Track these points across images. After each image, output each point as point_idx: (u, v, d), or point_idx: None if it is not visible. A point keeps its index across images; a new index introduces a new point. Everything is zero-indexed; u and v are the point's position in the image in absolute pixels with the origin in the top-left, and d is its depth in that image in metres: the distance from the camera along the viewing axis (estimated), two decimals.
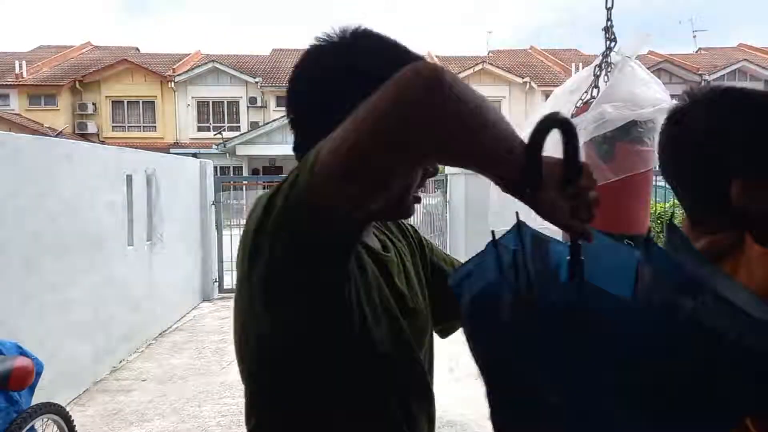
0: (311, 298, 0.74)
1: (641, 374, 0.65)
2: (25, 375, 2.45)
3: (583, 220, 0.69)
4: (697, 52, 30.56)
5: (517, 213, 0.77)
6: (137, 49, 31.30)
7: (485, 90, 26.85)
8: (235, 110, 26.10)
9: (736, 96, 0.97)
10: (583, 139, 1.96)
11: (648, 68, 2.22)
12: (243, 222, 10.85)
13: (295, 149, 0.92)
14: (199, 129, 25.81)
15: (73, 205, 4.19)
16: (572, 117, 2.16)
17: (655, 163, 2.07)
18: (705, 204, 0.98)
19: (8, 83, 24.68)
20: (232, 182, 14.98)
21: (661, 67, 24.07)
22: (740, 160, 0.92)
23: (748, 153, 0.92)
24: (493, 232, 0.82)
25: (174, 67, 26.48)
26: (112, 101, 25.67)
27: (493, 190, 2.33)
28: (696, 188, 0.99)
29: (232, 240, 7.70)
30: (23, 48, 31.63)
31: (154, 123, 25.92)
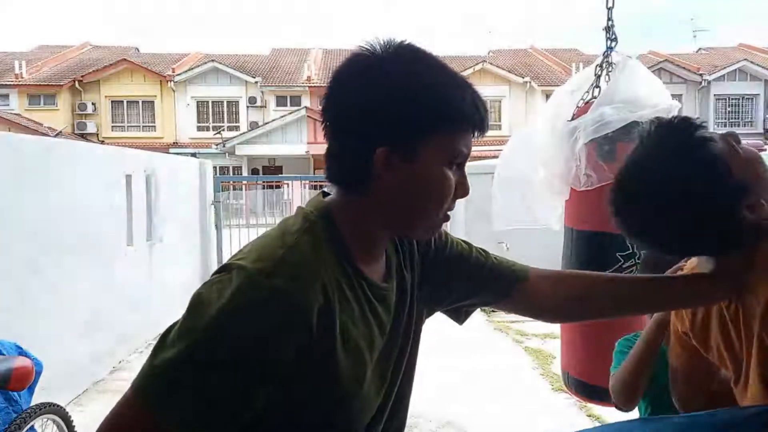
0: None
1: None
2: (25, 375, 2.44)
3: None
4: (697, 52, 30.57)
5: None
6: (137, 49, 31.28)
7: (485, 90, 26.64)
8: (234, 110, 26.10)
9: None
10: (583, 140, 1.96)
11: (648, 68, 2.22)
12: (243, 222, 10.72)
13: (327, 155, 0.89)
14: (199, 129, 25.81)
15: (72, 205, 4.18)
16: (573, 118, 2.16)
17: None
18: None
19: (8, 83, 24.67)
20: (231, 182, 15.01)
21: (662, 67, 24.08)
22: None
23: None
24: None
25: (173, 66, 26.47)
26: (112, 101, 25.67)
27: (496, 192, 2.33)
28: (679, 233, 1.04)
29: (232, 240, 7.70)
30: (23, 48, 31.61)
31: (154, 123, 25.92)
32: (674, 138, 1.01)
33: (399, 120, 0.83)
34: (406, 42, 0.89)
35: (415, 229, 0.92)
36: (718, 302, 1.06)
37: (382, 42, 0.87)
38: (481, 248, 1.10)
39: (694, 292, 1.07)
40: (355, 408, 0.86)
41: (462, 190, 0.90)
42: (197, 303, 0.77)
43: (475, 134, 0.90)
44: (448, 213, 0.92)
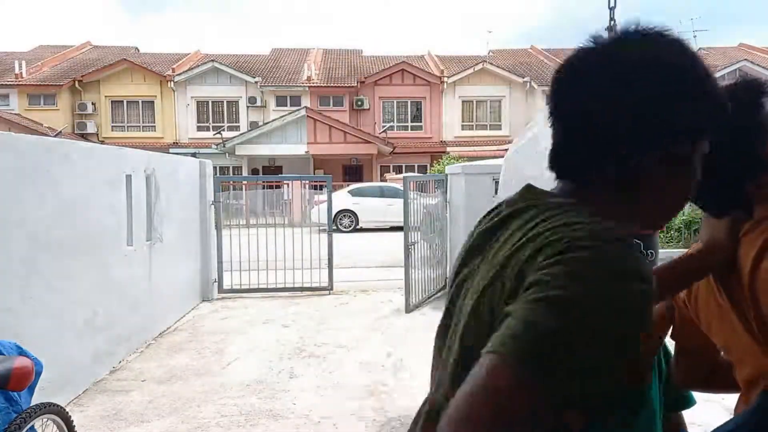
0: None
1: None
2: (25, 375, 2.44)
3: None
4: (697, 51, 30.51)
5: None
6: (137, 48, 31.30)
7: (485, 90, 26.89)
8: (234, 110, 26.10)
9: None
10: None
11: None
12: (243, 222, 10.75)
13: (557, 153, 0.85)
14: (199, 129, 25.81)
15: (72, 205, 4.18)
16: None
17: None
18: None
19: (8, 83, 24.67)
20: (231, 182, 15.01)
21: None
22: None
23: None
24: None
25: (173, 66, 26.48)
26: (112, 101, 25.67)
27: (501, 194, 2.32)
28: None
29: (232, 240, 7.71)
30: (23, 48, 31.67)
31: (154, 123, 25.92)
32: (743, 89, 1.07)
33: (685, 124, 0.79)
34: (662, 29, 0.82)
35: (659, 225, 0.90)
36: (710, 272, 1.13)
37: (637, 29, 0.81)
38: None
39: (687, 271, 1.14)
40: None
41: None
42: (570, 275, 0.70)
43: None
44: None
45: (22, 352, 2.64)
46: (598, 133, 0.81)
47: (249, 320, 6.34)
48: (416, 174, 22.46)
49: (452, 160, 19.22)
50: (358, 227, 17.25)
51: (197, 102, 25.91)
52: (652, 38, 0.81)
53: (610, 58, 0.81)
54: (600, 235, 0.72)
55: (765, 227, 1.04)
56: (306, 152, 22.28)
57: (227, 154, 22.51)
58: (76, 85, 24.99)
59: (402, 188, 7.01)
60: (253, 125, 24.21)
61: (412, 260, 6.72)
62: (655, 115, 0.78)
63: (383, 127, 25.90)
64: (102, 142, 22.26)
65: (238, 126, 25.42)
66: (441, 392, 0.83)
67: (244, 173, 22.80)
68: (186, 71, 25.81)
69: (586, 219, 0.76)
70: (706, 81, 0.80)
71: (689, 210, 10.31)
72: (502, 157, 2.49)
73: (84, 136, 23.58)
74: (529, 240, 0.76)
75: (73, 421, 2.85)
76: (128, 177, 5.11)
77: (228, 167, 23.66)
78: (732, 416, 1.15)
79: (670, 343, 1.36)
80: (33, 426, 2.55)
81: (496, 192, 6.06)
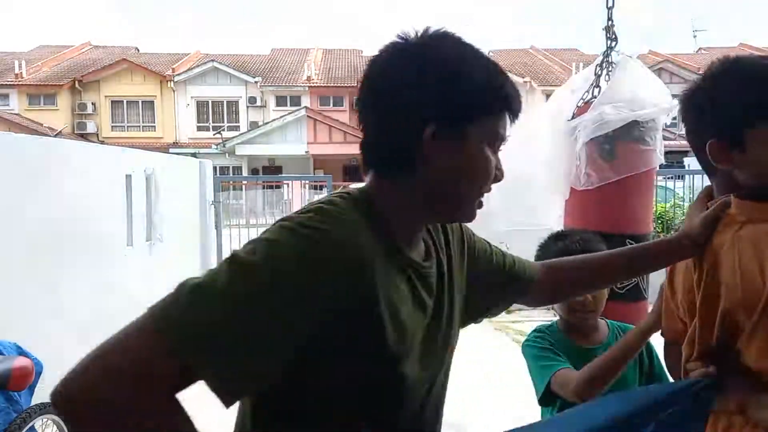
0: None
1: None
2: (25, 375, 2.45)
3: None
4: (697, 52, 30.57)
5: None
6: (137, 48, 31.29)
7: None
8: (234, 110, 26.10)
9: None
10: (583, 139, 1.96)
11: (648, 68, 2.23)
12: (243, 222, 10.72)
13: (368, 143, 0.89)
14: (199, 129, 25.81)
15: (72, 205, 4.18)
16: (573, 117, 2.16)
17: (656, 162, 2.08)
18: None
19: (8, 83, 24.67)
20: (231, 182, 15.01)
21: (662, 67, 24.07)
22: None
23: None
24: None
25: (173, 66, 26.47)
26: (112, 101, 25.67)
27: (494, 191, 2.33)
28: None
29: (232, 240, 7.70)
30: (23, 48, 31.70)
31: (154, 123, 25.92)
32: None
33: (448, 99, 0.83)
34: (443, 29, 0.89)
35: (458, 210, 0.92)
36: (682, 257, 1.16)
37: (418, 31, 0.87)
38: (497, 248, 1.13)
39: (665, 252, 1.18)
40: (399, 388, 0.85)
41: (500, 173, 0.92)
42: (239, 253, 0.75)
43: (512, 119, 0.91)
44: (482, 200, 0.93)
45: (22, 352, 2.64)
46: (382, 119, 0.86)
47: None
48: None
49: None
50: None
51: (197, 102, 25.91)
52: (435, 36, 0.87)
53: (391, 54, 0.87)
54: (291, 217, 0.77)
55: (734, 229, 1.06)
56: (306, 152, 22.28)
57: (227, 154, 22.52)
58: (76, 85, 24.99)
59: None
60: (253, 125, 24.22)
61: None
62: (424, 95, 0.83)
63: None
64: (102, 142, 22.26)
65: (238, 126, 25.42)
66: None
67: (244, 173, 22.79)
68: (186, 71, 25.81)
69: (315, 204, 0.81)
70: (480, 68, 0.86)
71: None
72: None
73: (84, 136, 23.58)
74: None
75: None
76: (128, 177, 5.11)
77: (228, 167, 23.66)
78: None
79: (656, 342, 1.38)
80: (33, 426, 2.55)
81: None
